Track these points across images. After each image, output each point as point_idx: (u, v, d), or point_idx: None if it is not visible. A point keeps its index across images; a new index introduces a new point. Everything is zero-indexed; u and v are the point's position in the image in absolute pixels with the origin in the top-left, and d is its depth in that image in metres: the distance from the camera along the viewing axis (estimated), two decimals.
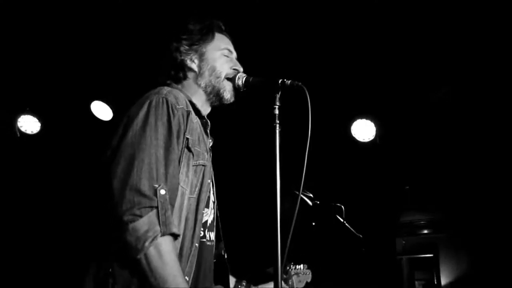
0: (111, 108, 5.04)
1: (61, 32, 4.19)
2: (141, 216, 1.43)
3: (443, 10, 3.70)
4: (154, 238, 1.43)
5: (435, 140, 5.13)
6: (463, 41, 4.01)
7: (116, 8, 3.86)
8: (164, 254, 1.44)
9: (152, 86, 1.79)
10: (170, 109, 1.63)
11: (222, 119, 2.05)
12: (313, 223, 4.35)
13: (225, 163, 2.05)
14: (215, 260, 1.94)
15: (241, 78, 1.92)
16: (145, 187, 1.47)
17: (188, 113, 1.72)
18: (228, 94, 1.94)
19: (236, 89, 1.94)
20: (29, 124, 5.19)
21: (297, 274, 2.84)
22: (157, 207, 1.46)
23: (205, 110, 1.97)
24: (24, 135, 5.19)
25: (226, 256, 2.04)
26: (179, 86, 1.92)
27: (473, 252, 6.81)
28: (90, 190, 1.67)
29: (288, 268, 2.80)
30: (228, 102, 1.96)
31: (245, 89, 1.93)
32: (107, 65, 4.54)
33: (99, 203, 1.57)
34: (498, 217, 6.14)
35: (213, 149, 1.99)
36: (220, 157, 2.01)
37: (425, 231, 7.47)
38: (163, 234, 1.45)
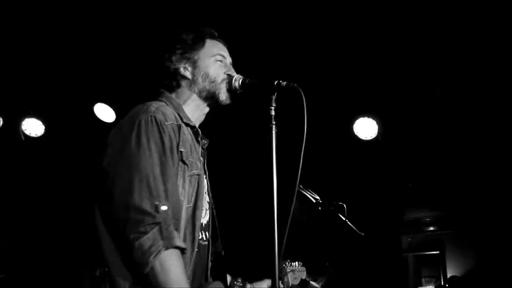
0: (114, 110, 5.07)
1: (64, 35, 4.22)
2: (145, 233, 1.49)
3: (445, 9, 3.69)
4: (158, 252, 1.48)
5: (438, 137, 5.12)
6: (466, 39, 4.00)
7: (118, 11, 3.89)
8: (168, 269, 1.50)
9: (147, 93, 1.84)
10: (160, 127, 1.66)
11: (219, 120, 2.06)
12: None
13: (223, 165, 2.05)
14: (212, 258, 1.97)
15: (237, 80, 1.93)
16: (147, 205, 1.52)
17: (179, 126, 1.75)
18: (223, 95, 1.94)
19: (232, 91, 1.94)
20: (33, 127, 5.22)
21: (292, 271, 2.86)
22: (159, 223, 1.52)
23: (201, 112, 1.98)
24: (28, 138, 5.22)
25: (223, 254, 2.07)
26: (172, 95, 1.94)
27: (479, 249, 6.78)
28: (93, 203, 1.69)
29: (284, 265, 2.82)
30: (224, 104, 1.97)
31: (241, 90, 1.94)
32: (109, 67, 4.56)
33: (104, 222, 1.63)
34: (504, 214, 6.11)
35: (210, 150, 2.00)
36: (217, 159, 2.02)
37: (431, 228, 7.44)
38: (166, 248, 1.50)
